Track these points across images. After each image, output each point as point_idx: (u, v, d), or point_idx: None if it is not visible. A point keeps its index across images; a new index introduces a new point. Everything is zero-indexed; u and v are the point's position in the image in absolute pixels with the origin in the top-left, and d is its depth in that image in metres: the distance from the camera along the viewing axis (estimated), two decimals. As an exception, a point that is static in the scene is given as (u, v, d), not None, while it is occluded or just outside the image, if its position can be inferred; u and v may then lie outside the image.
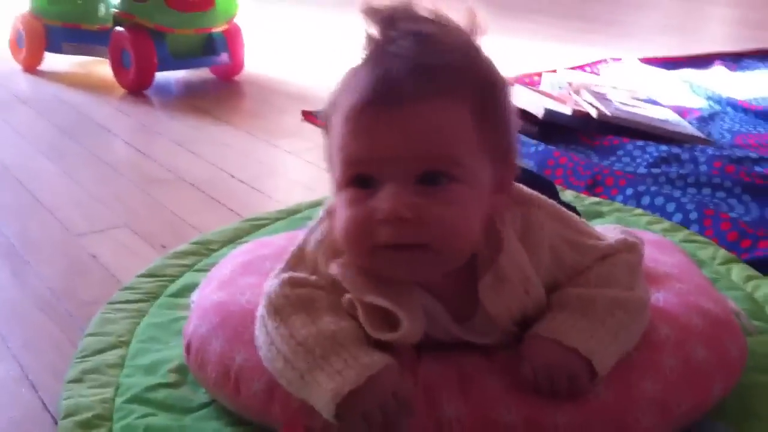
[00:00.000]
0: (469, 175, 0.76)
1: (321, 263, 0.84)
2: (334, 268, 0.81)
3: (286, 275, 0.84)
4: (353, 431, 0.75)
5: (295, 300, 0.81)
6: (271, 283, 0.84)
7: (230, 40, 2.38)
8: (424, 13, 0.78)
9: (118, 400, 0.88)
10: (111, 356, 0.97)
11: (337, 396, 0.74)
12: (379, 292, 0.79)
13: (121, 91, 2.30)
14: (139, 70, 2.24)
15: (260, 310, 0.84)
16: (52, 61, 2.53)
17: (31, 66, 2.51)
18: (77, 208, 1.48)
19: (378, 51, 0.78)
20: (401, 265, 0.77)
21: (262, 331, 0.82)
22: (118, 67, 2.30)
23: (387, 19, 0.77)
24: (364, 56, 0.78)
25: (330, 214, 0.83)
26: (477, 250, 0.81)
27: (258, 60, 2.61)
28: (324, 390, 0.75)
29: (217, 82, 2.45)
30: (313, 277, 0.84)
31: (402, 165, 0.74)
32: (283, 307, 0.81)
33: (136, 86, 2.27)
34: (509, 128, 0.81)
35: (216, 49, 2.36)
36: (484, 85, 0.78)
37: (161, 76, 2.33)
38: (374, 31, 0.78)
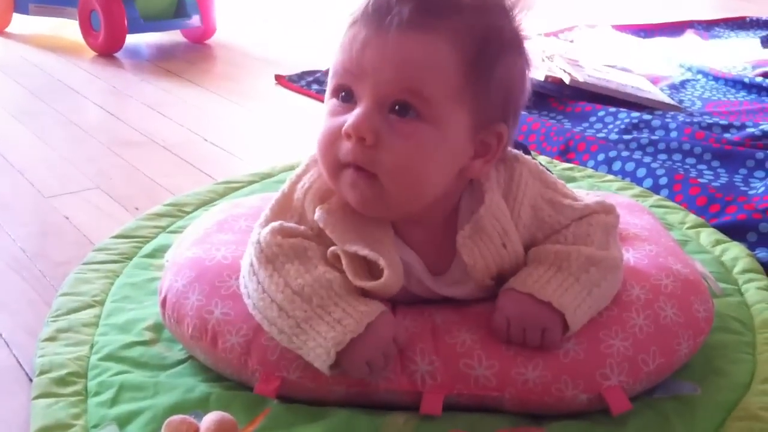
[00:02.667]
0: (437, 117, 0.76)
1: (308, 211, 0.83)
2: (317, 215, 0.81)
3: (276, 224, 0.83)
4: (354, 375, 0.78)
5: (288, 249, 0.81)
6: (259, 231, 0.84)
7: (201, 2, 2.34)
8: None
9: (93, 358, 0.89)
10: (85, 315, 0.97)
11: (339, 345, 0.75)
12: (360, 241, 0.80)
13: (91, 53, 2.27)
14: (108, 32, 2.21)
15: (248, 259, 0.83)
16: (20, 24, 2.48)
17: (-2, 28, 2.47)
18: (49, 170, 1.47)
19: None
20: (356, 191, 0.78)
21: (253, 280, 0.82)
22: (87, 30, 2.26)
23: None
24: None
25: (316, 161, 0.83)
26: (457, 203, 0.82)
27: (229, 23, 2.58)
28: (324, 338, 0.76)
29: (188, 46, 2.42)
30: (302, 227, 0.84)
31: (375, 86, 0.75)
32: (275, 255, 0.81)
33: (106, 49, 2.25)
34: (507, 97, 0.81)
35: (187, 11, 2.33)
36: (489, 41, 0.77)
37: (132, 39, 2.30)
38: None
